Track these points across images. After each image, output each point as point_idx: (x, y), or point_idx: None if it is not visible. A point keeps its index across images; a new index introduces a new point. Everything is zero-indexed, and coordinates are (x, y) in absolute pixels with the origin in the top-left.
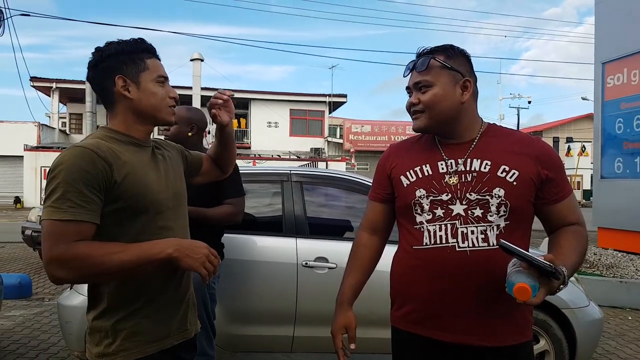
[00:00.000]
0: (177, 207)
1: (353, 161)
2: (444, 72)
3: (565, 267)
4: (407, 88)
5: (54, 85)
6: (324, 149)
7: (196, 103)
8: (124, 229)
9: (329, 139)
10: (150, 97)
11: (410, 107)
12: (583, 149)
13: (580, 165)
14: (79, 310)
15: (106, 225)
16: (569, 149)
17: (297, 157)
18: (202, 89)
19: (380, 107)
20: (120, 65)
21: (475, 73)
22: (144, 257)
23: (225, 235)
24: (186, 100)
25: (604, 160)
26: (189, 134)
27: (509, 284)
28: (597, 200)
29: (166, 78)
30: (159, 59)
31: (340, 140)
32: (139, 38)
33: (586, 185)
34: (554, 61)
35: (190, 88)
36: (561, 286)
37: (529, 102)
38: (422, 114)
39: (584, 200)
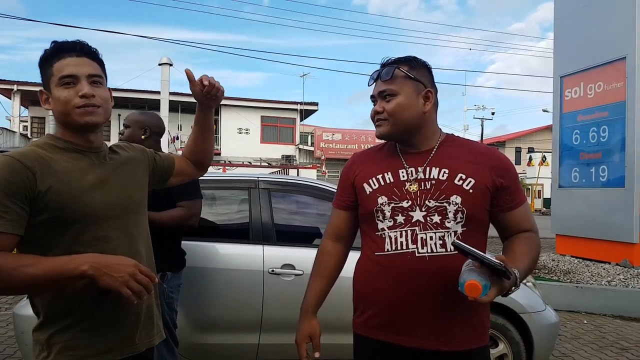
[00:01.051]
0: (123, 215)
1: (324, 169)
2: (407, 82)
3: (518, 270)
4: (372, 97)
5: (15, 87)
6: (295, 156)
7: (164, 108)
8: (56, 239)
9: (300, 146)
10: (57, 104)
11: (374, 115)
12: (544, 159)
13: (541, 174)
14: (34, 320)
15: (38, 235)
16: (530, 159)
17: (269, 164)
18: (171, 93)
19: (352, 116)
20: (42, 77)
21: (437, 85)
22: (57, 273)
23: (191, 242)
24: (154, 105)
25: (562, 169)
26: (142, 137)
27: (461, 282)
28: (555, 208)
29: (73, 76)
30: (79, 54)
31: (312, 148)
32: (54, 41)
33: (547, 194)
34: (517, 74)
35: (159, 92)
36: (513, 288)
37: (493, 114)
38: (386, 121)
39: (544, 209)
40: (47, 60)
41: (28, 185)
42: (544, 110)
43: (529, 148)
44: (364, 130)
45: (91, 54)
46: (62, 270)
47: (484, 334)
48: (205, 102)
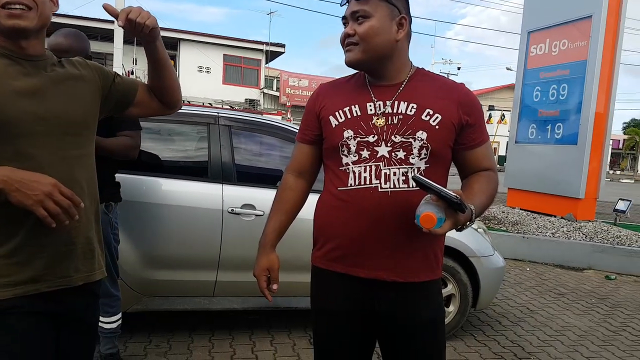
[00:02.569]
0: (56, 134)
1: (289, 115)
2: (382, 5)
3: (474, 206)
4: (344, 18)
5: None
6: (259, 100)
7: (118, 39)
8: None
9: (265, 90)
10: None
11: (345, 39)
12: (502, 117)
13: (498, 132)
14: None
15: None
16: (490, 116)
17: (231, 107)
18: None
19: (322, 62)
20: None
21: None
22: None
23: (147, 178)
24: (107, 35)
25: (520, 125)
26: None
27: (417, 214)
28: (510, 163)
29: None
30: None
31: (277, 93)
32: None
33: (502, 152)
34: (486, 28)
35: (112, 22)
36: (468, 222)
37: (459, 69)
38: (357, 46)
39: (499, 166)
40: None
41: None
42: (508, 69)
43: (489, 106)
44: (332, 77)
45: None
46: None
47: (437, 268)
48: (139, 38)
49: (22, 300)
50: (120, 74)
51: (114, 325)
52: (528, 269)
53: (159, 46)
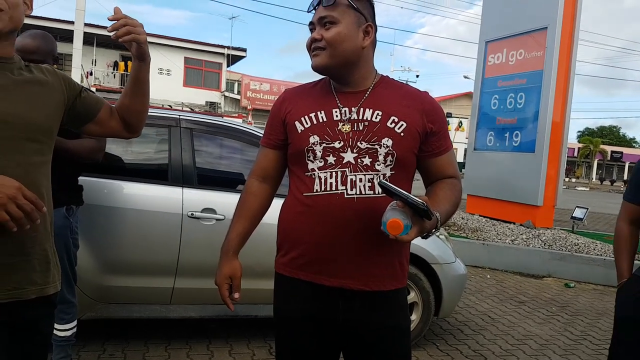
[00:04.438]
0: (15, 137)
1: (250, 119)
2: (349, 12)
3: (439, 213)
4: (311, 24)
5: None
6: (220, 103)
7: (78, 40)
8: None
9: (226, 93)
10: None
11: (311, 44)
12: (460, 124)
13: (456, 139)
14: None
15: None
16: (447, 123)
17: (191, 109)
18: (86, 24)
19: (283, 67)
20: None
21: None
22: None
23: (104, 180)
24: (66, 35)
25: (478, 133)
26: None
27: (384, 220)
28: (469, 170)
29: None
30: None
31: (238, 97)
32: None
33: (460, 159)
34: (444, 37)
35: (72, 23)
36: (433, 230)
37: (417, 76)
38: (323, 51)
39: None
40: None
41: None
42: (465, 77)
43: (447, 113)
44: (294, 82)
45: None
46: None
47: (403, 277)
48: (132, 50)
49: None
50: (88, 90)
51: (68, 334)
52: (489, 276)
53: (146, 67)
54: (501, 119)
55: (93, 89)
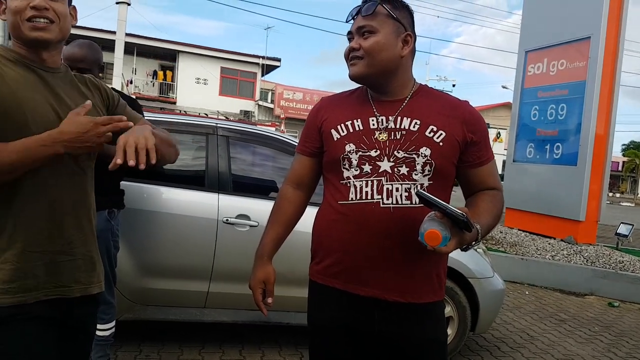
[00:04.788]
0: None
1: (283, 127)
2: (388, 21)
3: (480, 225)
4: (349, 33)
5: None
6: (254, 112)
7: (119, 49)
8: None
9: (260, 102)
10: (9, 14)
11: (349, 53)
12: (498, 135)
13: (494, 150)
14: None
15: None
16: None
17: (226, 117)
18: (127, 34)
19: (316, 76)
20: None
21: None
22: (27, 156)
23: (144, 185)
24: (108, 45)
25: (518, 145)
26: (100, 75)
27: (421, 231)
28: (507, 183)
29: None
30: None
31: (271, 105)
32: None
33: (498, 170)
34: (482, 47)
35: (114, 33)
36: (473, 242)
37: (454, 86)
38: (361, 60)
39: None
40: None
41: None
42: (504, 87)
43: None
44: (327, 91)
45: None
46: (31, 153)
47: (440, 289)
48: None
49: (29, 306)
50: (126, 105)
51: (107, 334)
52: (527, 293)
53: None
54: (541, 130)
55: (133, 97)
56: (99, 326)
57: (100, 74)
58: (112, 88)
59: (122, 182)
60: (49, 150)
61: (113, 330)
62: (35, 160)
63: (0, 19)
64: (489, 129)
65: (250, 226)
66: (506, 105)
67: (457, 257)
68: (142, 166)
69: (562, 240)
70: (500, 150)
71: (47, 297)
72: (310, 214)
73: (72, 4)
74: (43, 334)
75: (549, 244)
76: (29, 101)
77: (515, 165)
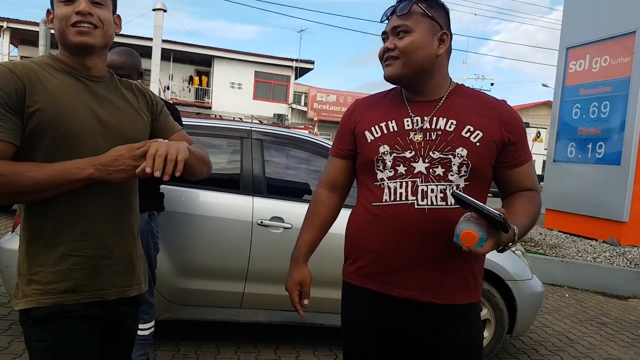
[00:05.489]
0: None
1: (316, 130)
2: (424, 20)
3: (517, 227)
4: (384, 33)
5: (5, 24)
6: (287, 115)
7: (156, 56)
8: (48, 158)
9: (293, 105)
10: (56, 21)
11: (384, 53)
12: (538, 134)
13: (533, 150)
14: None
15: (27, 151)
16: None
17: (260, 122)
18: (164, 41)
19: (350, 79)
20: None
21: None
22: (61, 177)
23: (180, 188)
24: (145, 52)
25: (559, 144)
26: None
27: (457, 232)
28: (548, 183)
29: None
30: None
31: (305, 108)
32: None
33: (538, 171)
34: (521, 44)
35: (151, 39)
36: (510, 244)
37: (492, 84)
38: (397, 60)
39: None
40: None
41: (19, 95)
42: (544, 85)
43: (524, 123)
44: (361, 93)
45: None
46: (66, 174)
47: (476, 291)
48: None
49: (70, 306)
50: (169, 115)
51: (147, 333)
52: (567, 295)
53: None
54: (583, 129)
55: (171, 103)
56: (139, 325)
57: (139, 80)
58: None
59: (164, 186)
60: (82, 173)
61: (153, 329)
62: (69, 181)
63: (49, 27)
64: (528, 129)
65: (284, 228)
66: (546, 104)
67: (495, 259)
68: (166, 178)
69: (604, 241)
70: (540, 150)
71: (87, 300)
72: (343, 216)
73: (117, 12)
74: (86, 332)
75: (591, 245)
76: (70, 109)
77: (556, 166)
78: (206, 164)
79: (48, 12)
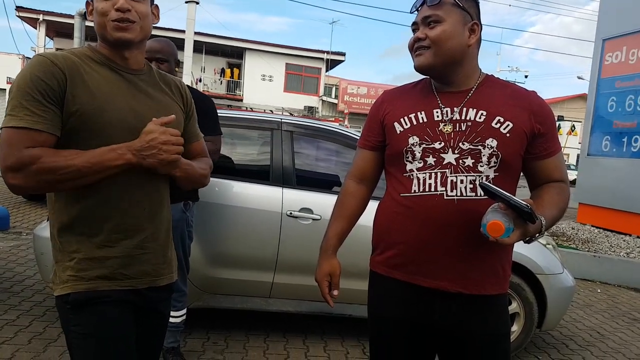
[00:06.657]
0: None
1: (346, 122)
2: (455, 10)
3: (544, 218)
4: (414, 24)
5: (40, 17)
6: (317, 108)
7: (188, 48)
8: (83, 148)
9: (324, 98)
10: (95, 15)
11: (414, 43)
12: (573, 128)
13: (568, 144)
14: None
15: (64, 142)
16: (559, 127)
17: (290, 114)
18: (196, 33)
19: (382, 71)
20: None
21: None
22: (100, 163)
23: (215, 179)
24: (177, 44)
25: (593, 137)
26: (176, 69)
27: (484, 222)
28: (581, 177)
29: None
30: None
31: (335, 101)
32: None
33: (572, 164)
34: (556, 35)
35: (183, 32)
36: (537, 235)
37: (526, 77)
38: (427, 50)
39: None
40: None
41: (61, 87)
42: (579, 77)
43: (558, 116)
44: (391, 85)
45: None
46: (106, 160)
47: (504, 281)
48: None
49: (105, 292)
50: (196, 120)
51: (178, 320)
52: (599, 291)
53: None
54: (619, 122)
55: (206, 95)
56: (171, 313)
57: (177, 69)
58: (187, 86)
59: None
60: (119, 159)
61: (184, 317)
62: (108, 167)
63: (89, 19)
64: (563, 122)
65: (313, 219)
66: (581, 97)
67: (525, 252)
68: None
69: (638, 237)
70: (574, 144)
71: (120, 288)
72: (371, 209)
73: (155, 3)
74: (122, 316)
75: (624, 240)
76: (108, 103)
77: (590, 159)
78: (197, 182)
79: (87, 3)
